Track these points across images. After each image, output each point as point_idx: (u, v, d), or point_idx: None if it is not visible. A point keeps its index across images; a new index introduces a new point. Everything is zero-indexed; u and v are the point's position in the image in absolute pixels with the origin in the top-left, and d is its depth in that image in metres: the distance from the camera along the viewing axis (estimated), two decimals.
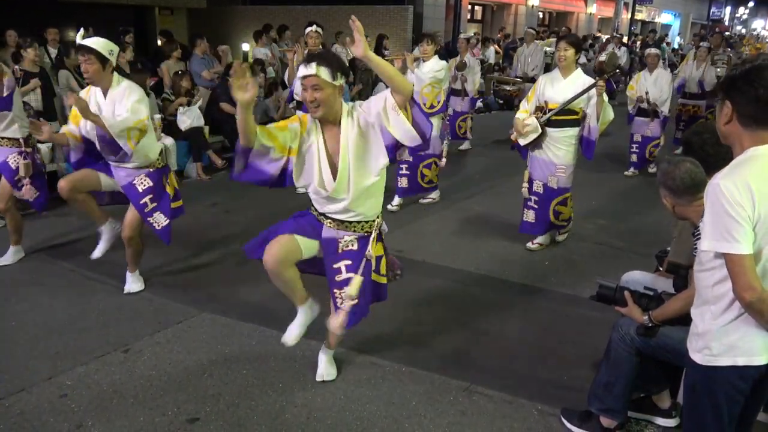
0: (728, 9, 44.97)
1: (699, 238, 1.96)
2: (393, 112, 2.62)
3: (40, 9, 11.84)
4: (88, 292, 4.09)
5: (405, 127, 2.63)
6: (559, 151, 4.77)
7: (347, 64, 10.72)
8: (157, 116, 6.89)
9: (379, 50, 11.29)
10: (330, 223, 2.86)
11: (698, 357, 1.97)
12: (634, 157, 7.95)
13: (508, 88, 12.21)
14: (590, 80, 4.67)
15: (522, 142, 4.84)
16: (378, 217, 2.93)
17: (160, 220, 4.02)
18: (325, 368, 3.21)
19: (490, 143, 9.52)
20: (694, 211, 2.52)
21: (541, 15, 24.14)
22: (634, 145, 7.92)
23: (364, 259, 2.84)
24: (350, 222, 2.84)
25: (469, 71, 8.37)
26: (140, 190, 3.92)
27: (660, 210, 3.25)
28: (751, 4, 46.33)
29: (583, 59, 13.25)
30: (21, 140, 4.43)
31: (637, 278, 3.11)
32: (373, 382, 3.23)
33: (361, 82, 10.62)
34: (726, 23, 42.56)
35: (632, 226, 5.85)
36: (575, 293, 4.30)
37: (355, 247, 2.86)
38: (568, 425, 2.90)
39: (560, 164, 4.80)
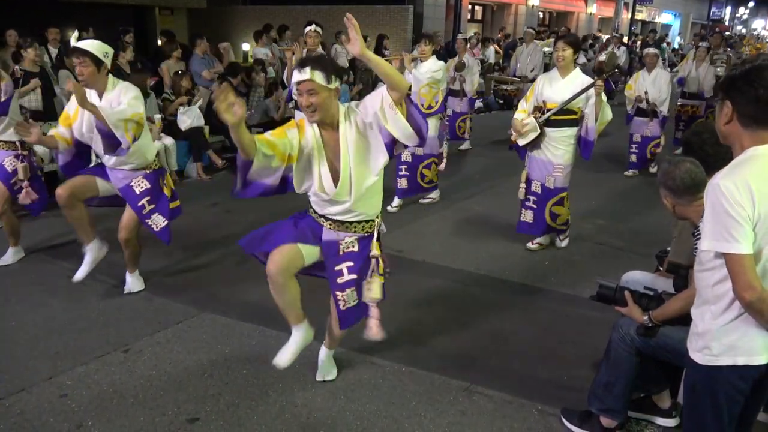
0: (728, 9, 44.96)
1: (699, 238, 1.96)
2: (390, 110, 2.61)
3: (40, 9, 11.85)
4: (88, 292, 4.09)
5: (402, 125, 2.62)
6: (557, 150, 4.76)
7: (348, 64, 10.75)
8: (158, 116, 6.90)
9: (379, 50, 11.28)
10: (330, 224, 2.84)
11: (698, 357, 1.97)
12: (633, 158, 7.93)
13: (506, 87, 12.22)
14: (589, 80, 4.65)
15: (521, 142, 4.82)
16: (378, 217, 2.92)
17: (158, 221, 4.01)
18: (325, 368, 3.21)
19: (490, 143, 9.52)
20: (694, 211, 2.52)
21: (541, 15, 24.14)
22: (634, 146, 7.90)
23: (372, 260, 2.84)
24: (351, 222, 2.83)
25: (467, 71, 8.37)
26: (138, 192, 3.91)
27: (660, 210, 3.25)
28: (751, 4, 46.34)
29: (583, 59, 13.24)
30: (17, 143, 4.43)
31: (637, 278, 3.11)
32: (373, 382, 3.23)
33: (362, 82, 10.62)
34: (726, 23, 42.56)
35: (632, 226, 5.85)
36: (575, 293, 4.30)
37: (356, 248, 2.85)
38: (568, 425, 2.90)
39: (558, 164, 4.78)
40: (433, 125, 5.94)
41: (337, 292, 2.83)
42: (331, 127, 2.72)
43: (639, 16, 28.93)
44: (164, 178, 4.10)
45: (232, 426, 2.86)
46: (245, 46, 13.71)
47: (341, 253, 2.84)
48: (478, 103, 12.83)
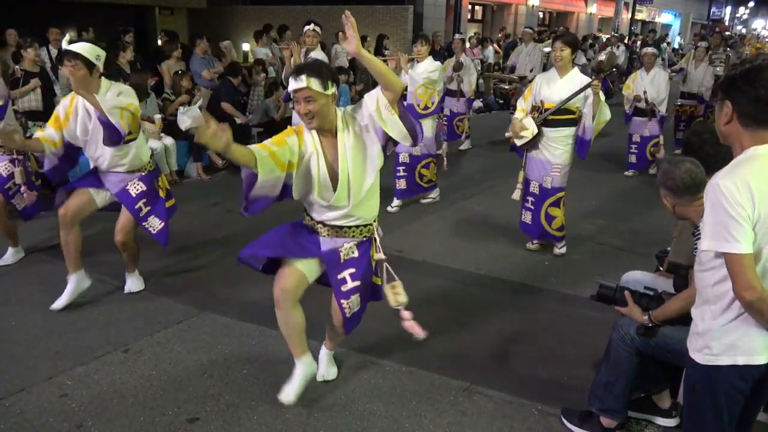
0: (728, 9, 44.97)
1: (699, 238, 1.96)
2: (387, 112, 2.61)
3: (40, 9, 11.85)
4: (88, 292, 4.08)
5: (398, 125, 2.63)
6: (556, 150, 4.72)
7: (348, 64, 10.74)
8: (158, 116, 6.90)
9: (379, 50, 11.29)
10: (328, 230, 2.82)
11: (698, 356, 1.97)
12: (633, 158, 7.92)
13: (505, 86, 12.22)
14: (587, 79, 4.61)
15: (518, 142, 4.79)
16: (375, 221, 2.91)
17: (155, 224, 3.99)
18: (326, 368, 3.21)
19: (489, 143, 9.52)
20: (694, 211, 2.52)
21: (541, 15, 24.14)
22: (633, 146, 7.89)
23: (373, 263, 2.85)
24: (349, 227, 2.82)
25: (465, 71, 8.35)
26: (134, 195, 3.89)
27: (660, 210, 3.25)
28: (751, 4, 46.35)
29: (583, 60, 13.23)
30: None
31: (637, 278, 3.11)
32: (373, 382, 3.23)
33: (362, 81, 10.62)
34: (726, 23, 42.56)
35: (632, 226, 5.85)
36: (575, 293, 4.30)
37: (356, 254, 2.84)
38: (569, 425, 2.90)
39: (556, 163, 4.74)
40: (429, 126, 5.93)
41: (342, 301, 2.81)
42: (330, 133, 2.71)
43: (639, 16, 28.92)
44: (158, 179, 4.08)
45: (232, 426, 2.86)
46: (245, 46, 13.71)
47: (342, 261, 2.82)
48: (478, 103, 12.84)
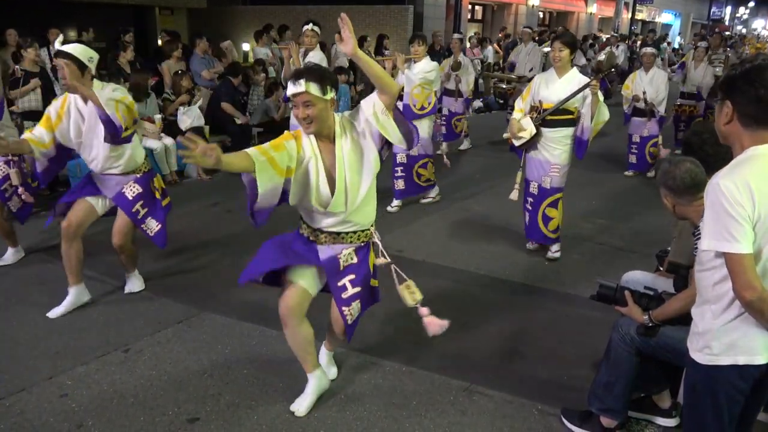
0: (728, 9, 44.97)
1: (699, 238, 1.96)
2: (384, 116, 2.61)
3: (40, 9, 11.84)
4: (89, 291, 4.08)
5: (395, 129, 2.63)
6: (554, 150, 4.68)
7: (348, 64, 10.73)
8: (158, 116, 6.90)
9: (379, 50, 11.29)
10: (325, 238, 2.81)
11: (699, 356, 1.97)
12: (633, 158, 7.91)
13: (503, 85, 12.21)
14: (586, 80, 4.58)
15: (516, 143, 4.76)
16: (372, 226, 2.90)
17: (152, 225, 3.98)
18: (326, 367, 3.20)
19: (489, 143, 9.52)
20: (694, 210, 2.52)
21: (541, 15, 24.13)
22: (633, 146, 7.88)
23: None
24: (347, 233, 2.81)
25: (463, 71, 8.35)
26: (131, 198, 3.87)
27: (660, 210, 3.25)
28: (751, 3, 46.37)
29: (583, 61, 13.21)
30: None
31: (637, 278, 3.11)
32: (373, 382, 3.23)
33: (363, 81, 10.61)
34: (726, 23, 42.57)
35: (632, 226, 5.85)
36: (575, 293, 4.30)
37: (355, 260, 2.84)
38: (569, 425, 2.90)
39: (555, 163, 4.71)
40: (426, 126, 5.92)
41: (344, 308, 2.81)
42: (328, 138, 2.69)
43: (639, 15, 28.94)
44: (154, 180, 4.05)
45: (233, 426, 2.86)
46: (245, 46, 13.71)
47: (342, 268, 2.82)
48: (478, 103, 12.84)
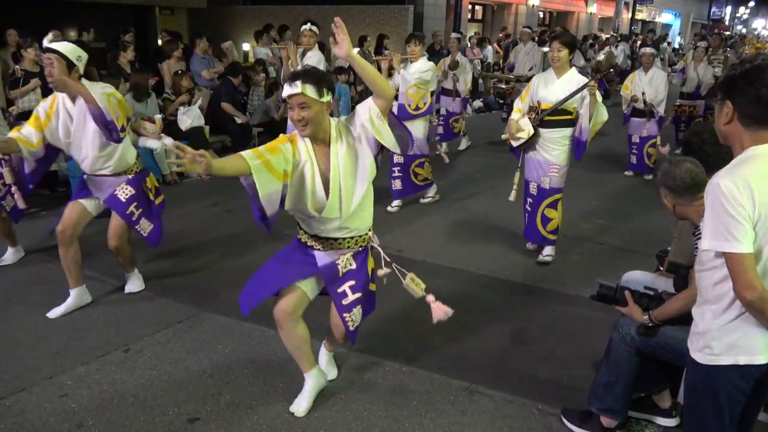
0: (729, 9, 44.98)
1: (699, 238, 1.96)
2: (379, 121, 2.59)
3: (40, 9, 11.84)
4: (89, 291, 4.08)
5: (390, 135, 2.61)
6: (553, 151, 4.65)
7: (348, 65, 10.74)
8: (158, 116, 6.90)
9: (379, 50, 11.29)
10: (322, 244, 2.79)
11: (699, 356, 1.97)
12: (633, 159, 7.91)
13: (502, 85, 12.23)
14: (584, 80, 4.55)
15: (514, 143, 4.74)
16: (370, 230, 2.89)
17: (145, 226, 3.96)
18: (326, 368, 3.20)
19: (490, 143, 9.51)
20: (694, 210, 2.52)
21: (541, 15, 24.13)
22: (633, 147, 7.87)
23: (370, 272, 2.84)
24: (344, 239, 2.79)
25: (461, 70, 8.35)
26: (124, 200, 3.84)
27: (660, 210, 3.25)
28: (751, 3, 46.37)
29: (582, 62, 13.20)
30: None
31: (637, 278, 3.11)
32: (373, 382, 3.23)
33: (363, 82, 10.60)
34: (726, 23, 42.58)
35: (632, 226, 5.85)
36: (575, 293, 4.30)
37: (354, 265, 2.83)
38: (569, 425, 2.90)
39: (554, 164, 4.67)
40: (421, 126, 5.90)
41: (345, 314, 2.80)
42: (323, 142, 2.66)
43: (639, 15, 28.94)
44: (146, 180, 4.02)
45: (233, 426, 2.86)
46: (245, 46, 13.71)
47: (341, 274, 2.81)
48: (478, 103, 12.84)
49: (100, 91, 3.53)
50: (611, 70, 11.13)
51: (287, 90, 2.55)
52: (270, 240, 4.63)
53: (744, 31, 42.67)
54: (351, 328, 2.83)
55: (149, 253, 4.52)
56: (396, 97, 5.67)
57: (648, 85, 7.49)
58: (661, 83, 7.53)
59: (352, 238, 2.80)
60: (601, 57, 13.51)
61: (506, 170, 7.22)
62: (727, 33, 30.38)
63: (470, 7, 20.01)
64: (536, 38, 12.99)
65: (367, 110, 2.61)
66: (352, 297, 2.80)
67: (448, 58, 8.48)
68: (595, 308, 3.28)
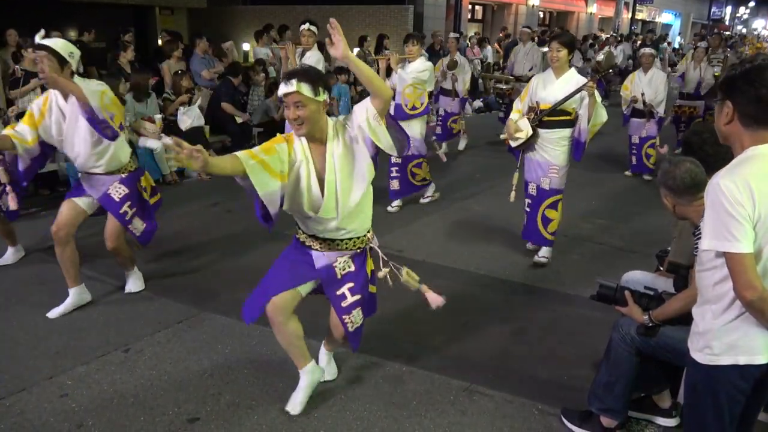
0: (729, 9, 44.97)
1: (699, 238, 1.96)
2: (375, 122, 2.56)
3: (40, 9, 11.84)
4: (88, 291, 4.08)
5: (386, 136, 2.59)
6: (553, 152, 4.64)
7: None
8: (158, 116, 6.91)
9: (379, 50, 11.29)
10: (320, 245, 2.78)
11: (699, 356, 1.97)
12: (633, 159, 7.90)
13: (502, 86, 12.23)
14: (583, 80, 4.53)
15: (512, 144, 4.72)
16: (369, 232, 2.87)
17: (137, 225, 3.96)
18: (326, 368, 3.20)
19: (490, 143, 9.51)
20: (694, 210, 2.52)
21: (541, 14, 24.14)
22: (633, 147, 7.86)
23: (369, 274, 2.83)
24: (341, 240, 2.77)
25: (459, 70, 8.34)
26: (117, 199, 3.83)
27: (660, 210, 3.25)
28: (751, 3, 46.37)
29: (580, 63, 13.19)
30: None
31: (637, 278, 3.11)
32: (373, 382, 3.23)
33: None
34: (726, 23, 42.57)
35: (632, 226, 5.85)
36: (575, 293, 4.30)
37: (353, 267, 2.81)
38: (569, 425, 2.90)
39: (554, 164, 4.65)
40: (418, 127, 5.90)
41: (344, 316, 2.80)
42: (320, 141, 2.64)
43: (639, 15, 28.94)
44: (140, 180, 4.00)
45: (233, 426, 2.86)
46: (245, 46, 13.72)
47: (339, 276, 2.79)
48: (478, 103, 12.84)
49: (93, 88, 3.50)
50: (610, 71, 11.12)
51: (282, 89, 2.54)
52: (270, 240, 4.64)
53: (744, 31, 42.65)
54: (350, 329, 2.83)
55: (149, 253, 4.52)
56: (393, 97, 5.66)
57: (647, 85, 7.48)
58: (661, 84, 7.52)
59: (350, 239, 2.79)
60: (600, 57, 13.50)
61: (506, 170, 7.21)
62: (727, 33, 30.37)
63: (470, 7, 20.02)
64: (536, 38, 12.97)
65: (364, 111, 2.59)
66: (351, 299, 2.79)
67: (446, 58, 8.48)
68: (595, 308, 3.28)
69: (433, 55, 10.70)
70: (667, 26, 34.37)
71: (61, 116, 3.66)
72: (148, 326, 3.72)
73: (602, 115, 4.58)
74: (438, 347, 3.58)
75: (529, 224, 4.90)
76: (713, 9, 39.83)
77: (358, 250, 2.83)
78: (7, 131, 3.71)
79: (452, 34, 9.12)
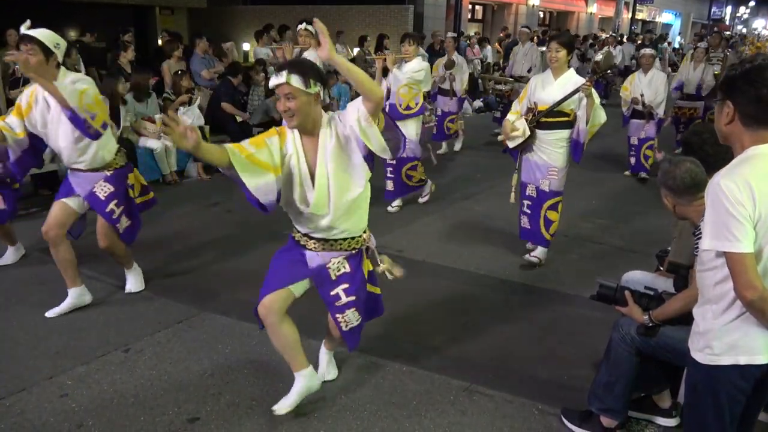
0: (729, 9, 44.97)
1: (699, 238, 1.96)
2: (366, 124, 2.52)
3: (40, 9, 11.83)
4: (89, 291, 4.08)
5: (377, 138, 2.55)
6: (552, 153, 4.60)
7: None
8: (158, 116, 6.90)
9: (379, 50, 11.29)
10: (314, 244, 2.75)
11: (700, 356, 1.97)
12: (633, 160, 7.89)
13: (501, 87, 12.24)
14: (582, 81, 4.47)
15: (510, 144, 4.68)
16: (365, 233, 2.83)
17: (123, 222, 3.93)
18: (326, 368, 3.21)
19: (490, 143, 9.51)
20: (694, 210, 2.52)
21: (541, 14, 24.15)
22: (632, 148, 7.85)
23: (366, 275, 2.82)
24: (335, 240, 2.74)
25: (457, 69, 8.32)
26: (103, 198, 3.79)
27: (660, 210, 3.25)
28: (752, 3, 46.37)
29: (577, 63, 13.18)
30: None
31: (637, 278, 3.11)
32: (373, 382, 3.23)
33: None
34: (727, 23, 42.57)
35: (632, 226, 5.85)
36: (575, 293, 4.29)
37: (348, 268, 2.78)
38: (569, 425, 2.90)
39: (553, 166, 4.62)
40: (413, 128, 5.86)
41: (337, 315, 2.78)
42: (313, 134, 2.62)
43: (639, 15, 28.95)
44: (128, 177, 3.96)
45: (233, 425, 2.86)
46: (245, 46, 13.73)
47: (334, 278, 2.76)
48: (478, 103, 12.84)
49: (71, 87, 3.44)
50: (608, 71, 11.11)
51: (273, 80, 2.52)
52: (270, 240, 4.64)
53: (744, 30, 42.66)
54: (345, 329, 2.81)
55: (149, 254, 4.52)
56: (387, 97, 5.65)
57: (647, 86, 7.46)
58: (661, 85, 7.51)
59: (344, 239, 2.75)
60: (599, 57, 13.49)
61: (506, 170, 7.20)
62: (728, 33, 30.35)
63: (470, 7, 20.03)
64: (535, 38, 12.97)
65: (355, 112, 2.55)
66: (345, 299, 2.77)
67: (444, 58, 8.48)
68: (595, 308, 3.28)
69: (433, 55, 10.71)
70: (668, 26, 34.37)
71: (46, 107, 3.63)
72: (148, 326, 3.72)
73: (601, 116, 4.52)
74: (438, 347, 3.58)
75: (532, 226, 4.86)
76: (713, 9, 39.82)
77: (354, 251, 2.80)
78: None
79: (449, 34, 9.12)
